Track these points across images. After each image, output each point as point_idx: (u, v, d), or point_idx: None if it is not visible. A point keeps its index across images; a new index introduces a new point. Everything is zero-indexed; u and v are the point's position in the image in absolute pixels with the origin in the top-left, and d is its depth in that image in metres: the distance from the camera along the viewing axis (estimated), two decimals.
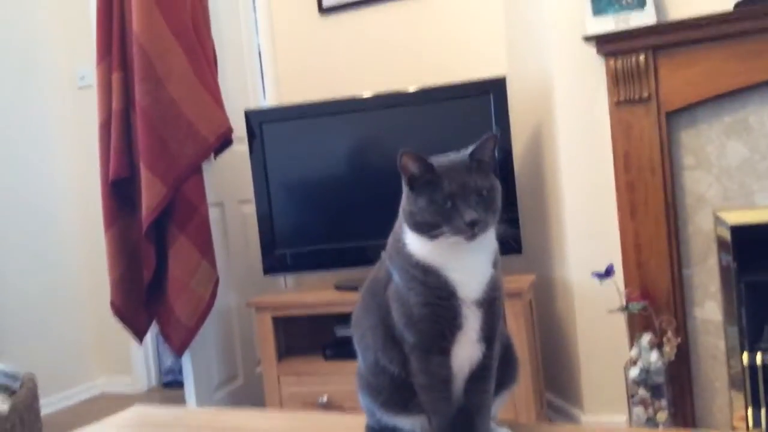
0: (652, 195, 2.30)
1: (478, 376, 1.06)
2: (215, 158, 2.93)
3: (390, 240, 1.09)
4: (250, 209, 2.96)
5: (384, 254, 1.10)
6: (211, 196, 2.85)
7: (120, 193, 2.71)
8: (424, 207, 0.99)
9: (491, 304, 1.04)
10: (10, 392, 2.69)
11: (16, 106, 3.52)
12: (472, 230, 0.98)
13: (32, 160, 3.58)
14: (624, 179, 2.33)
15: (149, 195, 2.57)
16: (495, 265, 1.05)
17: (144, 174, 2.58)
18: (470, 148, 1.03)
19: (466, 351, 1.05)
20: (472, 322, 1.03)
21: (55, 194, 3.68)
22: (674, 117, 2.29)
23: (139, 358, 3.79)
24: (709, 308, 2.32)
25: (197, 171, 2.70)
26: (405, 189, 1.03)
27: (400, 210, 1.07)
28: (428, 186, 1.00)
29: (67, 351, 3.66)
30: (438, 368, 1.04)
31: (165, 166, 2.59)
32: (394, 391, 1.09)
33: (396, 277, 1.05)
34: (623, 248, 2.35)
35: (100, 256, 2.87)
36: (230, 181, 3.13)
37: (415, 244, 1.03)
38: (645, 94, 2.27)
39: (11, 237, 3.44)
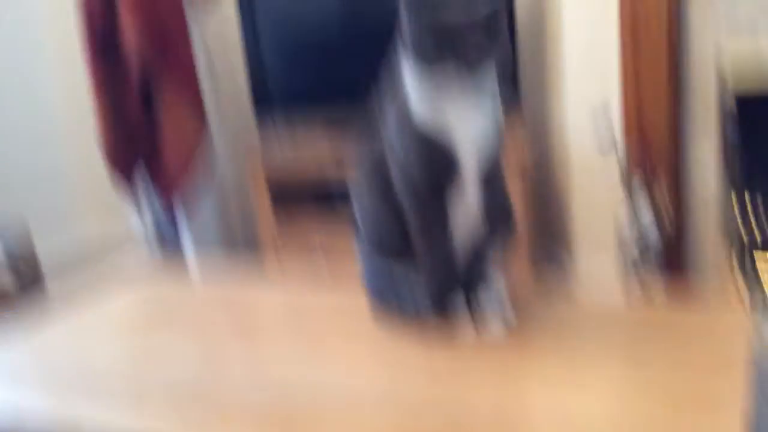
0: (654, 27, 2.17)
1: (479, 243, 1.07)
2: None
3: (383, 95, 1.04)
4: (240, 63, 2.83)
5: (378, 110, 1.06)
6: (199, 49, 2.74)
7: (102, 39, 2.57)
8: (427, 29, 0.91)
9: (493, 166, 1.03)
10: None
11: None
12: (481, 56, 0.93)
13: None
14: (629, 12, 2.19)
15: (134, 40, 2.47)
16: (497, 120, 1.01)
17: (126, 18, 2.47)
18: None
19: (466, 219, 1.05)
20: (472, 189, 1.02)
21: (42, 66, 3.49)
22: None
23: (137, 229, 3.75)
24: (705, 150, 2.27)
25: (182, 16, 2.58)
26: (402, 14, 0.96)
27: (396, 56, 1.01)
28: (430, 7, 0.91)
29: (59, 195, 3.61)
30: (437, 217, 1.03)
31: (149, 9, 2.46)
32: (393, 237, 1.08)
33: (392, 138, 1.02)
34: (623, 87, 2.25)
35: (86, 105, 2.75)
36: (216, 28, 2.99)
37: (419, 101, 0.96)
38: None
39: None
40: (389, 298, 1.10)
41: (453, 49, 0.91)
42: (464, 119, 0.97)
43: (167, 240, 2.81)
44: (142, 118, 2.59)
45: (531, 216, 2.57)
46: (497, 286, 1.11)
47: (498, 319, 1.07)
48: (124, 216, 3.73)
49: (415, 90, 0.97)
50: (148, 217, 3.70)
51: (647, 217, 2.20)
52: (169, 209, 2.74)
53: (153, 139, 2.63)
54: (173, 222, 2.79)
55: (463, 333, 1.06)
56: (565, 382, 0.93)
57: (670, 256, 2.28)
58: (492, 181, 1.04)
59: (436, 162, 0.98)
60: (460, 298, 1.07)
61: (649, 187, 2.24)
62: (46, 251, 3.33)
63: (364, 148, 1.10)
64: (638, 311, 1.16)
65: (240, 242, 3.24)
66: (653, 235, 2.20)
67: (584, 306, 1.17)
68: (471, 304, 1.07)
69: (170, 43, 2.54)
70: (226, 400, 0.96)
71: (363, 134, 1.11)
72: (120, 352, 1.18)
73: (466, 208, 1.03)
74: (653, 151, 2.26)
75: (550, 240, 2.76)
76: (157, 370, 1.08)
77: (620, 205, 2.25)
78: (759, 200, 2.27)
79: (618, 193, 2.31)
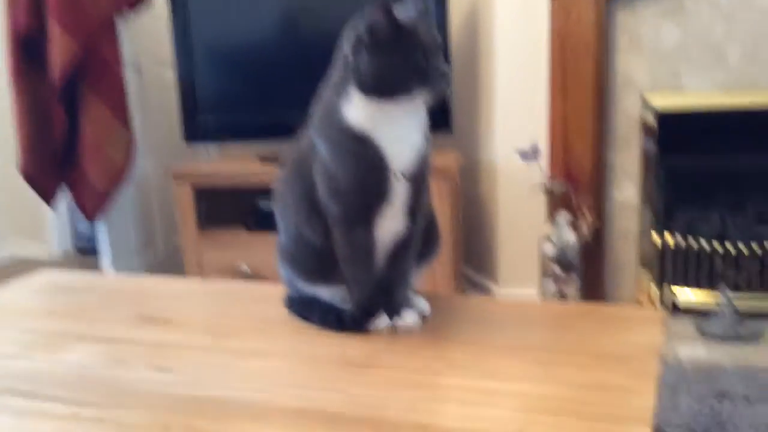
0: (583, 74, 2.28)
1: (400, 248, 1.06)
2: (133, 13, 2.71)
3: (318, 111, 1.03)
4: (171, 73, 2.79)
5: (309, 127, 1.04)
6: (128, 56, 2.67)
7: (27, 49, 2.50)
8: (398, 65, 0.93)
9: (420, 177, 1.01)
10: None
11: None
12: (447, 84, 0.95)
13: None
14: (558, 58, 2.29)
15: (60, 52, 2.37)
16: (426, 137, 1.02)
17: (53, 29, 2.37)
18: (413, 4, 0.96)
19: (392, 224, 1.03)
20: (400, 195, 1.01)
21: None
22: None
23: (51, 222, 3.64)
24: (627, 191, 2.38)
25: (111, 27, 2.50)
26: (360, 50, 0.95)
27: (337, 76, 1.00)
28: (397, 43, 0.93)
29: None
30: (362, 240, 1.02)
31: (76, 20, 2.38)
32: (315, 262, 1.07)
33: (323, 150, 1.00)
34: (551, 129, 2.35)
35: (7, 114, 2.67)
36: (150, 42, 2.94)
37: (356, 111, 0.97)
38: None
39: None
40: (311, 318, 1.09)
41: (392, 89, 0.94)
42: (394, 130, 0.98)
43: (86, 251, 2.70)
44: (65, 129, 2.50)
45: (457, 229, 2.60)
46: (413, 282, 1.11)
47: (413, 311, 1.06)
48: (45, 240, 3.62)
49: (350, 104, 0.97)
50: (68, 228, 3.59)
51: (569, 236, 2.26)
52: (90, 219, 2.64)
53: (75, 151, 2.54)
54: (93, 233, 2.68)
55: (378, 325, 1.04)
56: (472, 367, 0.92)
57: (588, 272, 2.35)
58: (417, 183, 1.02)
59: (363, 157, 0.97)
60: (380, 302, 1.05)
61: (573, 211, 2.30)
62: None
63: (291, 176, 1.08)
64: (553, 307, 1.17)
65: (161, 254, 3.15)
66: (574, 252, 2.26)
67: (502, 304, 1.18)
68: (389, 302, 1.06)
69: (97, 53, 2.47)
70: (125, 386, 0.92)
71: (291, 165, 1.09)
72: (16, 335, 1.12)
73: (392, 207, 1.01)
74: (578, 179, 2.34)
75: (477, 265, 2.79)
76: (55, 355, 1.02)
77: (544, 227, 2.30)
78: (675, 221, 2.38)
79: (541, 214, 2.37)
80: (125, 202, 2.78)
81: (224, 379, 0.92)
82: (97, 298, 1.29)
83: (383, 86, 0.94)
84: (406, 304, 1.07)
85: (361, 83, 0.95)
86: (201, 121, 2.71)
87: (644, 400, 0.81)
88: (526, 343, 1.00)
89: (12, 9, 2.44)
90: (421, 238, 1.07)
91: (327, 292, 1.08)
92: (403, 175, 0.99)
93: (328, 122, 0.99)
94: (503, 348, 0.98)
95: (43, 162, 2.58)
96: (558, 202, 2.35)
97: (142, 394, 0.89)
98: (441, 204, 2.45)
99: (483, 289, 2.71)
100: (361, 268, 1.03)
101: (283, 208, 1.11)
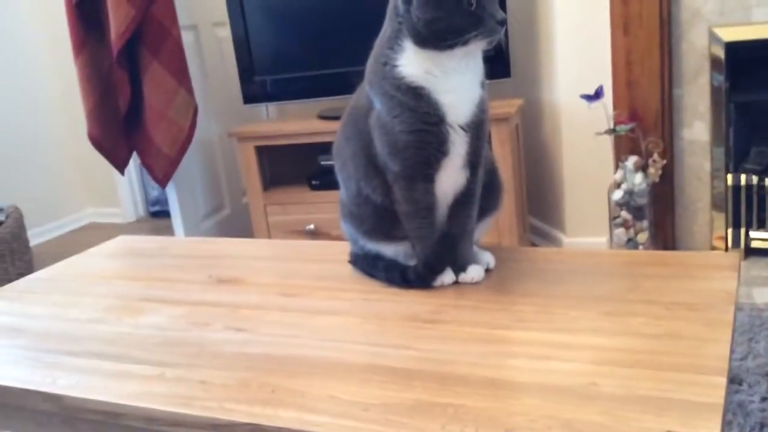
0: (646, 8, 2.18)
1: (461, 201, 1.05)
2: None
3: (370, 65, 1.02)
4: (226, 33, 2.81)
5: (364, 81, 1.04)
6: (183, 18, 2.70)
7: (87, 16, 2.55)
8: (451, 10, 0.92)
9: (478, 127, 1.00)
10: None
11: None
12: (501, 29, 0.93)
13: None
14: None
15: (117, 17, 2.42)
16: (482, 86, 1.00)
17: None
18: None
19: (451, 177, 1.03)
20: (458, 148, 1.00)
21: (24, 20, 3.48)
22: None
23: (125, 188, 3.78)
24: (697, 129, 2.29)
25: None
26: (409, 0, 0.94)
27: (390, 29, 0.99)
28: None
29: (53, 183, 3.64)
30: (422, 195, 1.02)
31: None
32: (377, 220, 1.08)
33: (379, 105, 1.00)
34: (614, 67, 2.27)
35: (75, 84, 2.75)
36: (203, 1, 2.96)
37: (411, 64, 0.96)
38: None
39: None
40: (375, 274, 1.10)
41: (446, 37, 0.92)
42: (449, 81, 0.96)
43: (159, 215, 2.76)
44: (129, 95, 2.56)
45: (520, 177, 2.57)
46: (477, 236, 1.11)
47: (478, 266, 1.06)
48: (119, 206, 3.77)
49: (404, 57, 0.96)
50: (136, 181, 3.71)
51: (638, 180, 2.20)
52: (160, 184, 2.72)
53: (140, 116, 2.61)
54: (164, 197, 2.76)
55: (443, 281, 1.05)
56: (541, 320, 0.92)
57: (659, 217, 2.29)
58: (476, 135, 1.01)
59: (419, 110, 0.96)
60: (444, 257, 1.05)
61: (640, 153, 2.24)
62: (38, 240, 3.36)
63: (349, 132, 1.08)
64: (623, 255, 1.15)
65: (229, 215, 3.22)
66: (643, 196, 2.21)
67: (568, 253, 1.16)
68: (453, 257, 1.06)
69: (154, 17, 2.51)
70: (206, 346, 0.96)
71: (348, 121, 1.09)
72: (100, 301, 1.17)
73: (451, 160, 1.01)
74: (645, 119, 2.26)
75: (543, 214, 2.76)
76: (138, 319, 1.07)
77: (612, 186, 2.25)
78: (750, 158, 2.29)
79: (608, 158, 2.32)
80: (192, 165, 2.84)
81: (297, 338, 0.95)
82: (172, 261, 1.34)
83: (436, 35, 0.93)
84: (471, 258, 1.07)
85: (414, 34, 0.94)
86: (259, 82, 2.73)
87: (719, 348, 0.80)
88: (596, 294, 0.99)
89: None
90: (480, 191, 1.06)
91: (390, 249, 1.09)
92: (461, 126, 0.98)
93: (383, 76, 0.98)
94: (572, 299, 0.97)
95: (110, 129, 2.66)
96: (625, 145, 2.29)
97: (222, 353, 0.93)
98: (502, 152, 2.42)
99: (551, 239, 2.68)
100: (423, 223, 1.04)
101: (342, 165, 1.11)
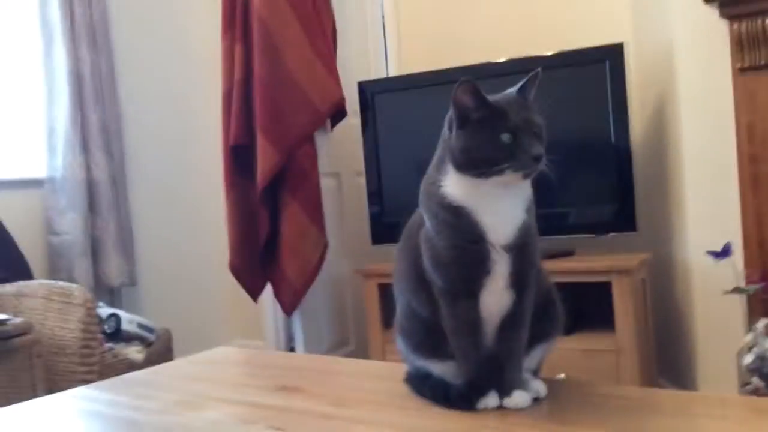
0: None
1: (508, 324, 1.04)
2: (332, 129, 3.02)
3: (422, 185, 1.08)
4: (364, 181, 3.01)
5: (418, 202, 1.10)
6: (327, 166, 2.95)
7: (240, 159, 2.87)
8: (484, 142, 0.97)
9: (522, 249, 1.01)
10: (146, 343, 2.93)
11: (167, 79, 3.77)
12: (536, 165, 0.96)
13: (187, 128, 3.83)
14: (747, 151, 2.14)
15: (264, 160, 2.70)
16: (528, 211, 1.02)
17: (260, 141, 2.71)
18: (516, 86, 1.02)
19: (495, 297, 1.03)
20: (500, 268, 1.01)
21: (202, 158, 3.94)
22: None
23: (270, 323, 3.98)
24: None
25: (310, 140, 2.80)
26: (453, 127, 1.01)
27: (439, 152, 1.06)
28: (486, 121, 0.98)
29: (207, 311, 3.91)
30: (466, 312, 1.03)
31: (279, 134, 2.71)
32: (425, 335, 1.09)
33: (427, 221, 1.05)
34: (744, 225, 2.17)
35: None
36: (348, 153, 3.21)
37: (453, 185, 1.01)
38: None
39: (157, 203, 3.73)
40: (423, 393, 1.10)
41: (479, 166, 0.97)
42: (490, 204, 0.99)
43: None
44: (268, 231, 2.79)
45: (645, 332, 2.43)
46: (532, 363, 1.08)
47: (525, 393, 1.03)
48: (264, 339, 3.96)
49: (448, 179, 1.02)
50: (280, 316, 3.88)
51: None
52: (287, 313, 2.86)
53: (276, 250, 2.81)
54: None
55: (487, 403, 1.02)
56: None
57: None
58: (518, 256, 1.01)
59: (460, 228, 0.99)
60: (490, 379, 1.04)
61: None
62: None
63: (403, 247, 1.13)
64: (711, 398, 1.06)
65: (352, 352, 3.28)
66: None
67: (650, 391, 1.09)
68: (499, 380, 1.04)
69: (296, 163, 2.76)
70: None
71: (403, 237, 1.14)
72: (172, 396, 1.25)
73: (493, 280, 1.01)
74: None
75: (672, 376, 2.56)
76: (195, 413, 1.14)
77: (743, 350, 2.07)
78: None
79: (739, 319, 2.14)
80: (320, 299, 2.98)
81: None
82: (250, 369, 1.41)
83: (471, 163, 0.98)
84: (518, 384, 1.04)
85: (452, 159, 1.00)
86: (387, 224, 2.87)
87: None
88: None
89: (227, 123, 2.85)
90: (530, 315, 1.05)
91: (438, 367, 1.09)
92: (502, 247, 1.00)
93: (430, 195, 1.04)
94: None
95: (250, 260, 2.89)
96: (758, 305, 2.12)
97: None
98: (623, 306, 2.33)
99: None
100: (467, 341, 1.03)
101: (396, 280, 1.15)
